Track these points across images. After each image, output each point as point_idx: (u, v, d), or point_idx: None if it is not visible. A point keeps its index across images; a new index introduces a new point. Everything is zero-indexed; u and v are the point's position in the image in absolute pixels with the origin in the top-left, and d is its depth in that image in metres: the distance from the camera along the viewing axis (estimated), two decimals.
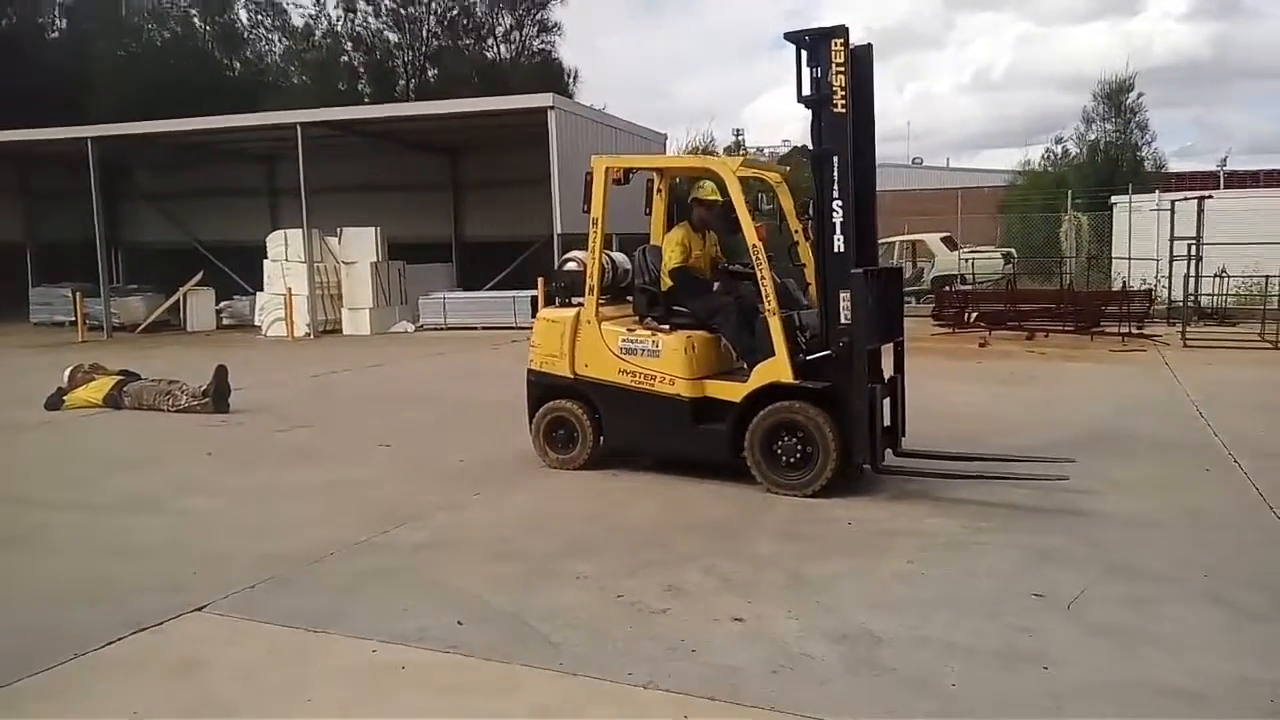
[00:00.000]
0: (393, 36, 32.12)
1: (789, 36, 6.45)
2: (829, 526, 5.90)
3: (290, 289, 20.47)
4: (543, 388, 7.53)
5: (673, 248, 7.28)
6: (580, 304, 7.39)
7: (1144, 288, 18.78)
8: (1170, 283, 18.44)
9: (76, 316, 21.51)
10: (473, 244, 26.66)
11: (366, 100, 29.16)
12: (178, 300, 22.94)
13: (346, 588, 4.96)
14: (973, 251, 23.86)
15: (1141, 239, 20.64)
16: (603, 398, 7.23)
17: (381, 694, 3.79)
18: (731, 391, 6.80)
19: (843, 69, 6.26)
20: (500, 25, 31.87)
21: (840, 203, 6.35)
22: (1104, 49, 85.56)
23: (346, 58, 32.31)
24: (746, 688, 3.76)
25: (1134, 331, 16.43)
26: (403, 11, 31.59)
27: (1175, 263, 17.93)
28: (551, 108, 19.05)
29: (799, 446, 6.45)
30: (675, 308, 7.22)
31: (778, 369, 6.54)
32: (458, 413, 10.53)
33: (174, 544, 5.81)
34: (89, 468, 8.07)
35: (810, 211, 6.66)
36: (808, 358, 6.52)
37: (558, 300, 7.78)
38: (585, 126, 21.17)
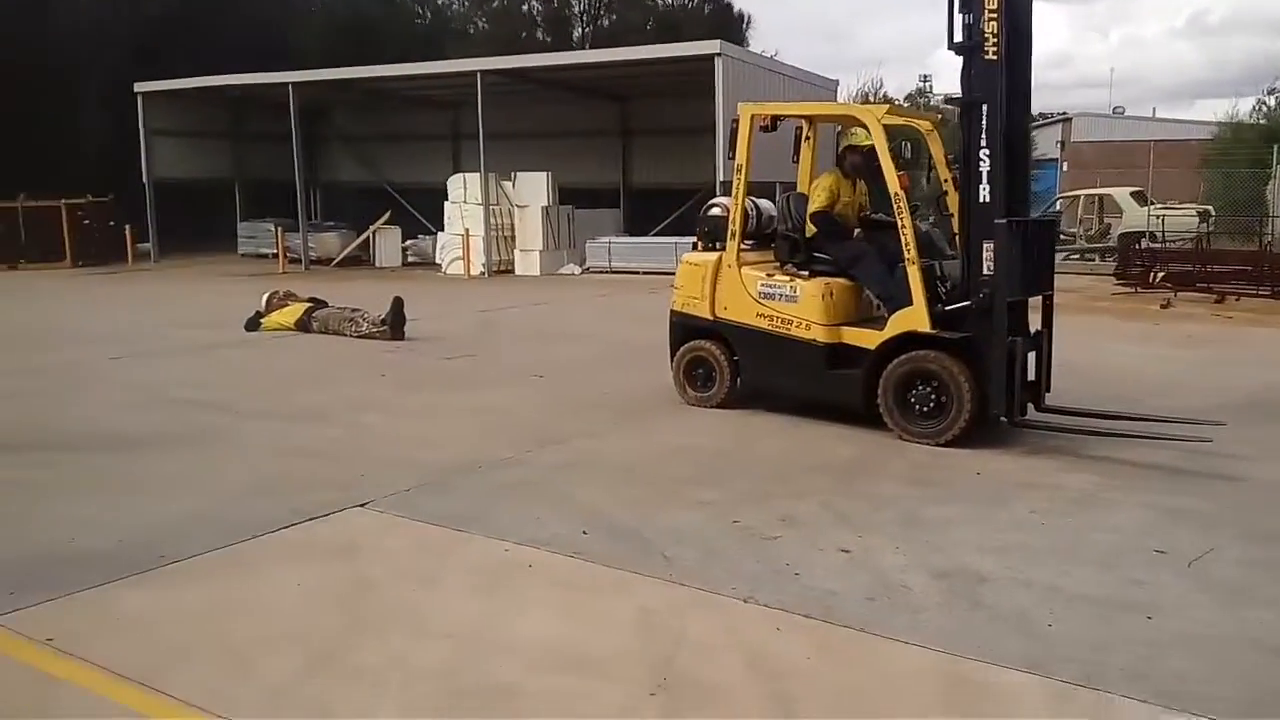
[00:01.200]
0: None
1: None
2: (955, 474, 5.96)
3: (468, 230, 21.49)
4: (684, 329, 7.81)
5: (819, 192, 7.37)
6: (723, 249, 7.57)
7: None
8: None
9: (278, 249, 23.32)
10: (640, 190, 27.11)
11: (543, 48, 29.84)
12: (368, 237, 24.46)
13: (490, 496, 5.45)
14: (1165, 208, 22.38)
15: None
16: (740, 340, 7.44)
17: (507, 584, 4.23)
18: (868, 339, 6.87)
19: (995, 14, 6.13)
20: None
21: (988, 152, 6.28)
22: None
23: (526, 7, 33.13)
24: (840, 609, 3.97)
25: None
26: None
27: None
28: (719, 55, 19.07)
29: (933, 396, 6.48)
30: (816, 254, 7.31)
31: (915, 318, 6.57)
32: (610, 350, 10.97)
33: (345, 450, 6.49)
34: (277, 382, 8.99)
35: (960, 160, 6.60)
36: (947, 308, 6.53)
37: (701, 245, 7.98)
38: (754, 74, 21.07)
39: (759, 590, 4.13)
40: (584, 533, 4.82)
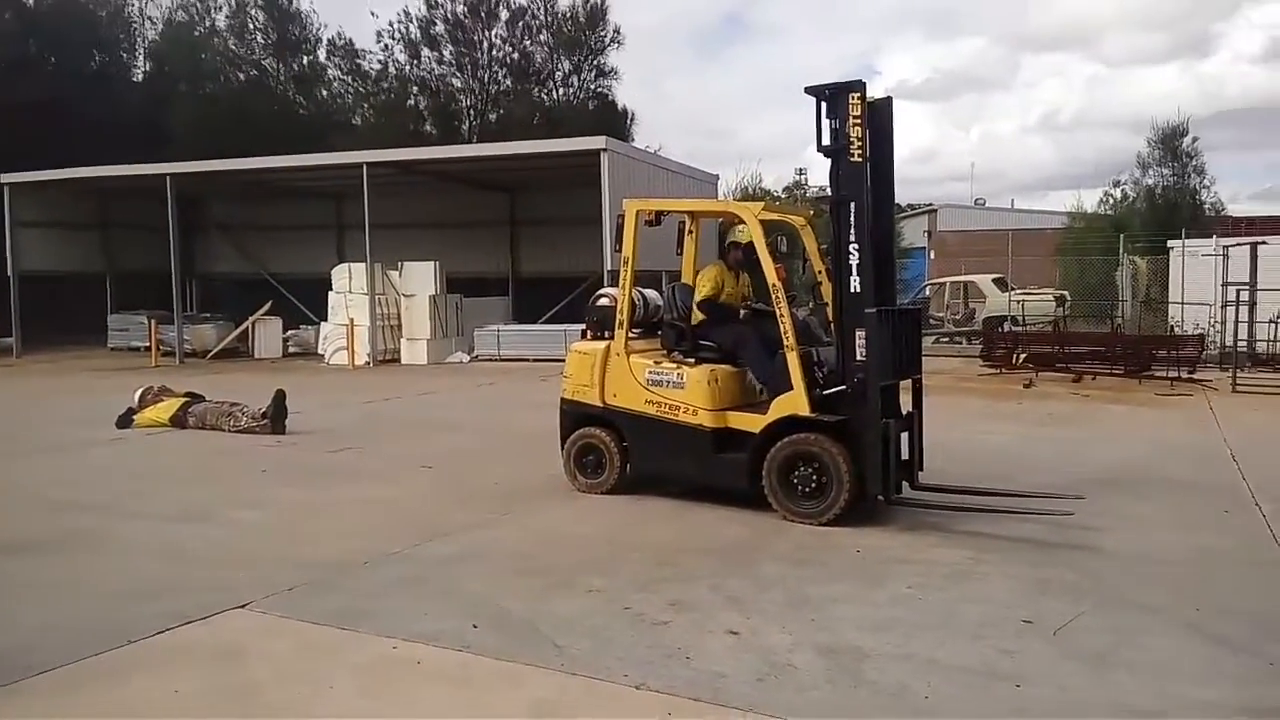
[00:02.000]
0: (456, 81, 33.30)
1: (809, 90, 6.82)
2: (837, 553, 6.15)
3: (353, 319, 21.25)
4: (574, 416, 7.92)
5: (705, 282, 7.69)
6: (612, 338, 7.76)
7: (1197, 333, 18.59)
8: (1224, 328, 18.24)
9: (151, 342, 22.55)
10: (528, 279, 27.40)
11: (431, 140, 30.16)
12: (247, 328, 23.90)
13: (375, 592, 5.37)
14: (1024, 293, 23.81)
15: (1197, 284, 20.43)
16: (630, 426, 7.60)
17: (396, 683, 4.17)
18: (751, 423, 7.10)
19: (859, 121, 6.59)
20: (559, 70, 32.79)
21: (857, 246, 6.68)
22: (1176, 91, 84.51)
23: (413, 100, 33.50)
24: (730, 691, 4.05)
25: (1184, 376, 16.31)
26: (466, 57, 32.71)
27: (1229, 308, 17.75)
28: (604, 150, 19.65)
29: (814, 477, 6.71)
30: (702, 341, 7.58)
31: (795, 402, 6.83)
32: (499, 439, 10.96)
33: (223, 550, 6.29)
34: (151, 481, 8.65)
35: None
36: (825, 392, 6.82)
37: (590, 334, 8.16)
38: (638, 167, 21.75)
39: (650, 676, 4.18)
40: (474, 626, 4.79)
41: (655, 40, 68.52)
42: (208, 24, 35.14)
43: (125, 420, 11.42)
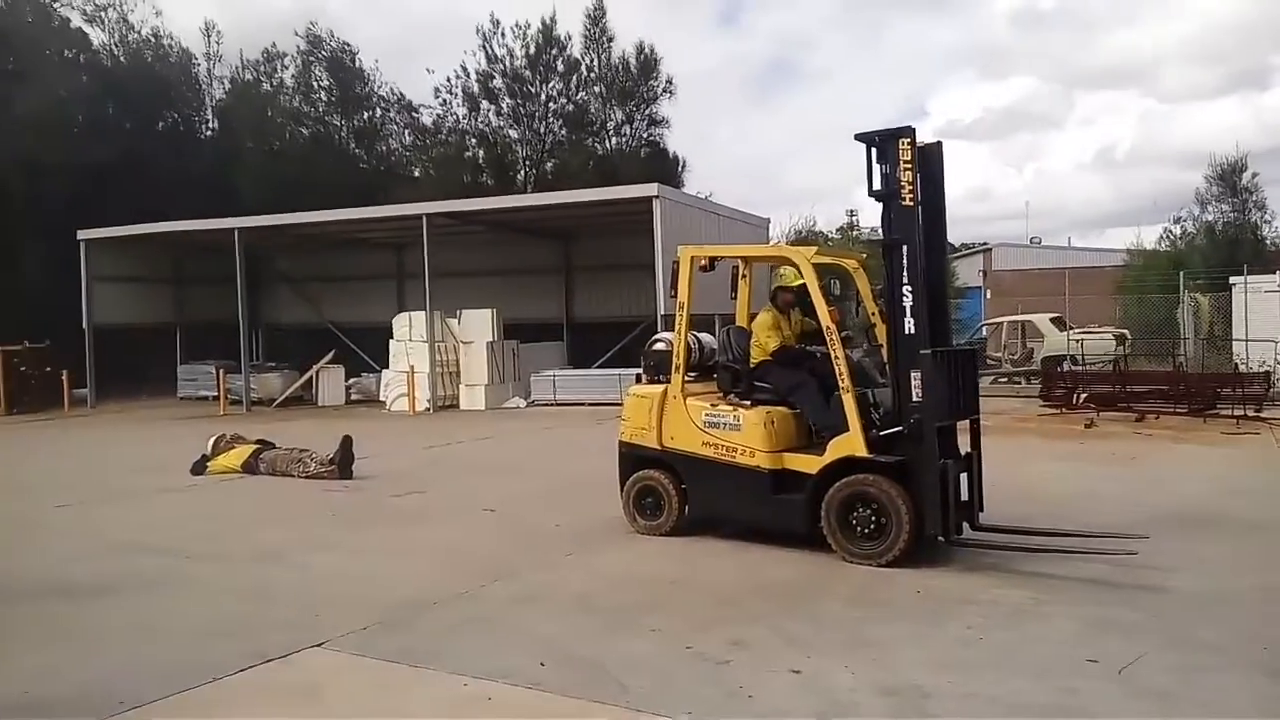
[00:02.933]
0: (513, 132, 34.07)
1: (859, 138, 6.97)
2: (897, 593, 6.19)
3: (413, 366, 21.70)
4: (632, 459, 8.06)
5: (767, 331, 7.74)
6: (668, 381, 7.90)
7: (1262, 370, 18.21)
8: None
9: (219, 391, 23.23)
10: (582, 324, 27.73)
11: (488, 190, 30.85)
12: (311, 377, 24.50)
13: (446, 632, 5.54)
14: (1084, 332, 23.51)
15: (1261, 320, 20.06)
16: (688, 468, 7.71)
17: (469, 718, 4.31)
18: (808, 464, 7.18)
19: (910, 165, 6.72)
20: (612, 120, 33.39)
21: (910, 288, 6.77)
22: (1234, 125, 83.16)
23: (470, 152, 34.31)
24: None
25: (1249, 415, 15.97)
26: (522, 109, 33.49)
27: None
28: (656, 197, 19.97)
29: (873, 518, 6.76)
30: (757, 384, 7.69)
31: (852, 443, 6.90)
32: (558, 483, 11.12)
33: (299, 591, 6.52)
34: (225, 524, 8.97)
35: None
36: (881, 433, 6.88)
37: (646, 378, 8.32)
38: (689, 214, 22.04)
39: (713, 713, 4.27)
40: (541, 664, 4.93)
41: (705, 87, 69.40)
42: (274, 82, 36.50)
43: (199, 467, 11.82)
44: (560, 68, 33.02)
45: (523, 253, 27.49)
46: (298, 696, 4.61)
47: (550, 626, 5.58)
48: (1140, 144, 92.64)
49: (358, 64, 36.19)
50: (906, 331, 6.75)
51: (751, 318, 8.13)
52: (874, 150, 6.90)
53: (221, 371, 23.74)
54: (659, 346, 8.32)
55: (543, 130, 33.53)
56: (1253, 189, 25.36)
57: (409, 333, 22.52)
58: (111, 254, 26.20)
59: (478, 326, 22.52)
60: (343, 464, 11.27)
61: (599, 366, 24.04)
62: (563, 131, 33.60)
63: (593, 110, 33.23)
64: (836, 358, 7.01)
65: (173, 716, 4.41)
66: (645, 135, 33.09)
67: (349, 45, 36.22)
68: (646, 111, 33.00)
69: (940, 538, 6.78)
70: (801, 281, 7.63)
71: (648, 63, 32.72)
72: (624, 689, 4.59)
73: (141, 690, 4.64)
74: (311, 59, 35.85)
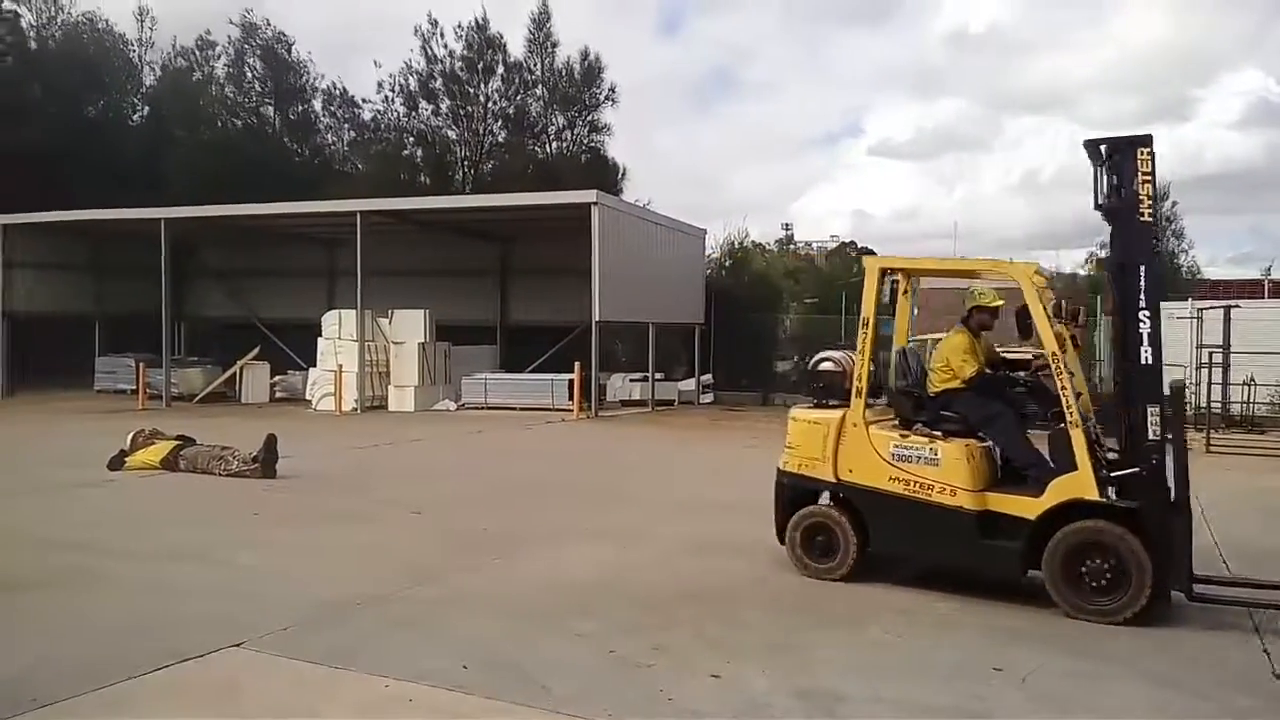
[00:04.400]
0: (452, 133, 33.80)
1: (1087, 144, 6.37)
2: (821, 599, 6.33)
3: (341, 365, 21.41)
4: (798, 491, 7.13)
5: (962, 356, 6.95)
6: (836, 405, 7.06)
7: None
8: (1199, 390, 18.60)
9: (138, 385, 22.62)
10: (517, 328, 27.62)
11: (425, 190, 30.57)
12: (234, 373, 24.00)
13: (368, 633, 5.52)
14: (1005, 350, 24.16)
15: (1173, 346, 20.81)
16: (870, 505, 6.80)
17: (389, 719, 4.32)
18: (1023, 507, 6.34)
19: (1149, 177, 6.11)
20: (554, 125, 33.36)
21: (1148, 313, 6.19)
22: (1155, 154, 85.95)
23: (408, 151, 33.95)
24: None
25: None
26: (462, 110, 33.25)
27: (1202, 370, 18.13)
28: (595, 203, 20.04)
29: (1107, 570, 5.95)
30: (943, 413, 6.88)
31: (1081, 485, 6.13)
32: (487, 487, 11.11)
33: (218, 590, 6.43)
34: (144, 523, 8.79)
35: (1070, 317, 6.63)
36: (1112, 474, 6.18)
37: (815, 401, 7.42)
38: (627, 221, 22.16)
39: (633, 715, 4.35)
40: (464, 666, 4.95)
41: (647, 95, 69.68)
42: (206, 70, 35.69)
43: (117, 462, 11.53)
44: (501, 70, 32.91)
45: (458, 254, 27.29)
46: (215, 696, 4.57)
47: (474, 629, 5.60)
48: (1065, 169, 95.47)
49: (294, 55, 35.61)
50: (1144, 361, 6.17)
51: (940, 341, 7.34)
52: (1102, 159, 6.28)
53: (141, 365, 23.13)
54: (826, 366, 7.41)
55: (482, 132, 33.35)
56: (1171, 218, 26.35)
57: (338, 331, 22.22)
58: (31, 240, 25.40)
59: (409, 327, 22.32)
60: (266, 462, 11.10)
61: (532, 371, 24.00)
62: (503, 134, 33.48)
63: (534, 114, 33.16)
64: (1063, 388, 6.21)
65: (85, 715, 4.33)
66: (586, 141, 33.10)
67: (285, 35, 35.63)
68: (589, 118, 33.03)
69: (1182, 593, 5.97)
70: (1000, 303, 7.12)
71: (591, 69, 32.76)
72: (546, 691, 4.64)
73: (54, 688, 4.55)
74: (245, 48, 35.16)
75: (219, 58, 35.69)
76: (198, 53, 35.63)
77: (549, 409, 20.96)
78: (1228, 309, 18.68)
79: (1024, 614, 6.13)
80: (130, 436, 11.95)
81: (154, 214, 23.28)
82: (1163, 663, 5.22)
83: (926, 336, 27.88)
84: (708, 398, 24.99)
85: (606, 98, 33.07)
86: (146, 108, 35.51)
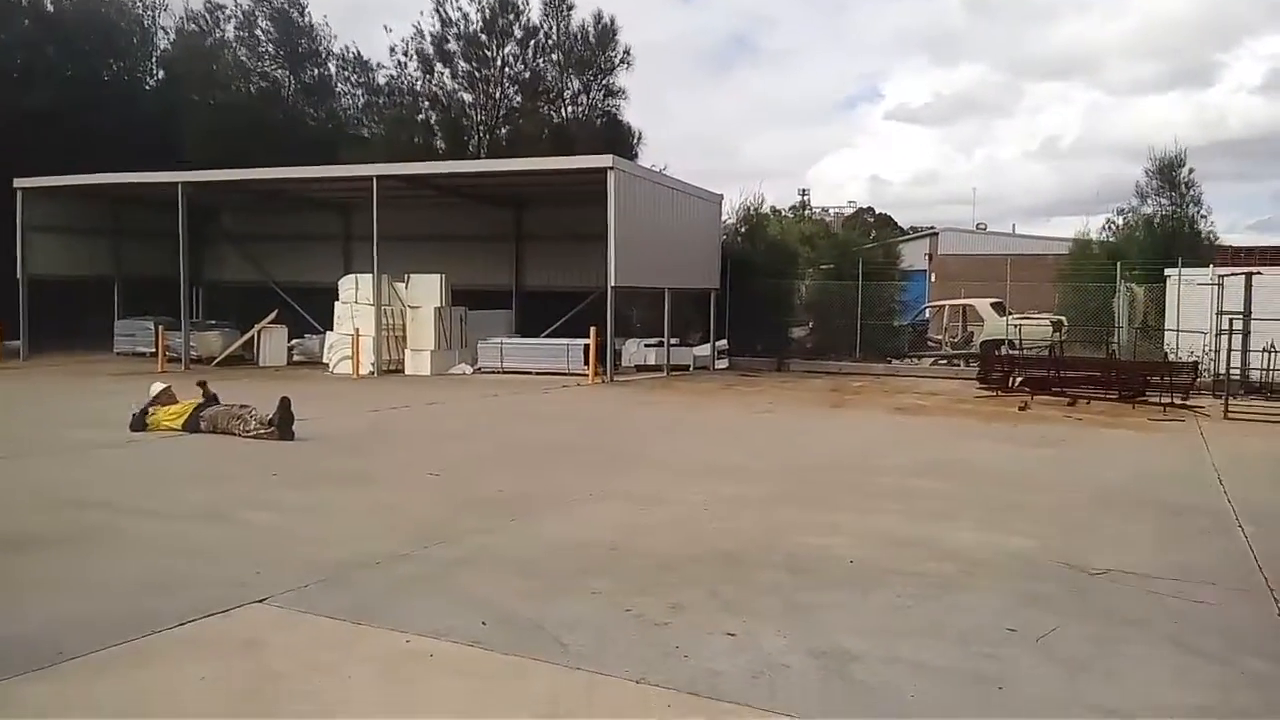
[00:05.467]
0: (467, 96, 33.60)
1: None
2: (829, 564, 6.36)
3: (358, 329, 21.50)
4: None
5: None
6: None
7: (1191, 360, 18.84)
8: (1218, 356, 18.49)
9: (157, 348, 22.79)
10: (532, 293, 27.67)
11: (440, 155, 30.47)
12: (252, 336, 24.15)
13: (388, 590, 5.60)
14: (1023, 318, 24.08)
15: (1192, 312, 20.70)
16: None
17: (411, 674, 4.39)
18: None
19: None
20: (569, 89, 33.10)
21: None
22: (1177, 119, 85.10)
23: (423, 115, 33.80)
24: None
25: (1177, 403, 16.54)
26: (478, 74, 33.04)
27: (1223, 336, 18.01)
28: (611, 168, 19.94)
29: None
30: None
31: None
32: (503, 449, 11.18)
33: (240, 548, 6.52)
34: (165, 482, 8.90)
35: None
36: None
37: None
38: (644, 186, 22.05)
39: (650, 672, 4.40)
40: (482, 623, 5.01)
41: (663, 59, 69.13)
42: (219, 34, 35.51)
43: (139, 423, 11.64)
44: (517, 33, 32.62)
45: (474, 219, 27.30)
46: (238, 650, 4.64)
47: (491, 588, 5.66)
48: (1085, 135, 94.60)
49: (307, 19, 35.37)
50: None
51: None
52: None
53: (160, 328, 23.28)
54: None
55: (498, 96, 33.12)
56: (1190, 184, 26.02)
57: (355, 295, 22.32)
58: (49, 204, 25.54)
59: (425, 291, 22.37)
60: (281, 424, 11.17)
61: (548, 336, 24.04)
62: (518, 98, 33.24)
63: (549, 78, 32.88)
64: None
65: (113, 667, 4.41)
66: (602, 105, 32.80)
67: None
68: (604, 81, 32.71)
69: None
70: None
71: (606, 32, 32.43)
72: (563, 648, 4.70)
73: (80, 641, 4.63)
74: (257, 11, 34.93)
75: (229, 21, 35.53)
76: (208, 16, 35.45)
77: (564, 373, 21.02)
78: (1248, 276, 18.54)
79: (1035, 577, 6.15)
80: (154, 390, 12.03)
81: (171, 178, 23.34)
82: (1179, 626, 5.23)
83: (943, 302, 27.87)
84: (723, 363, 25.01)
85: (621, 61, 32.80)
86: (161, 71, 35.41)
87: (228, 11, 35.18)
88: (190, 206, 23.59)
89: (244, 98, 33.83)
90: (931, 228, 49.10)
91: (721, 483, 9.17)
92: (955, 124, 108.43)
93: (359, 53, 35.56)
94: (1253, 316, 18.09)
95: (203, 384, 12.27)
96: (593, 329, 20.34)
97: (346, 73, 36.02)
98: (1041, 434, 13.11)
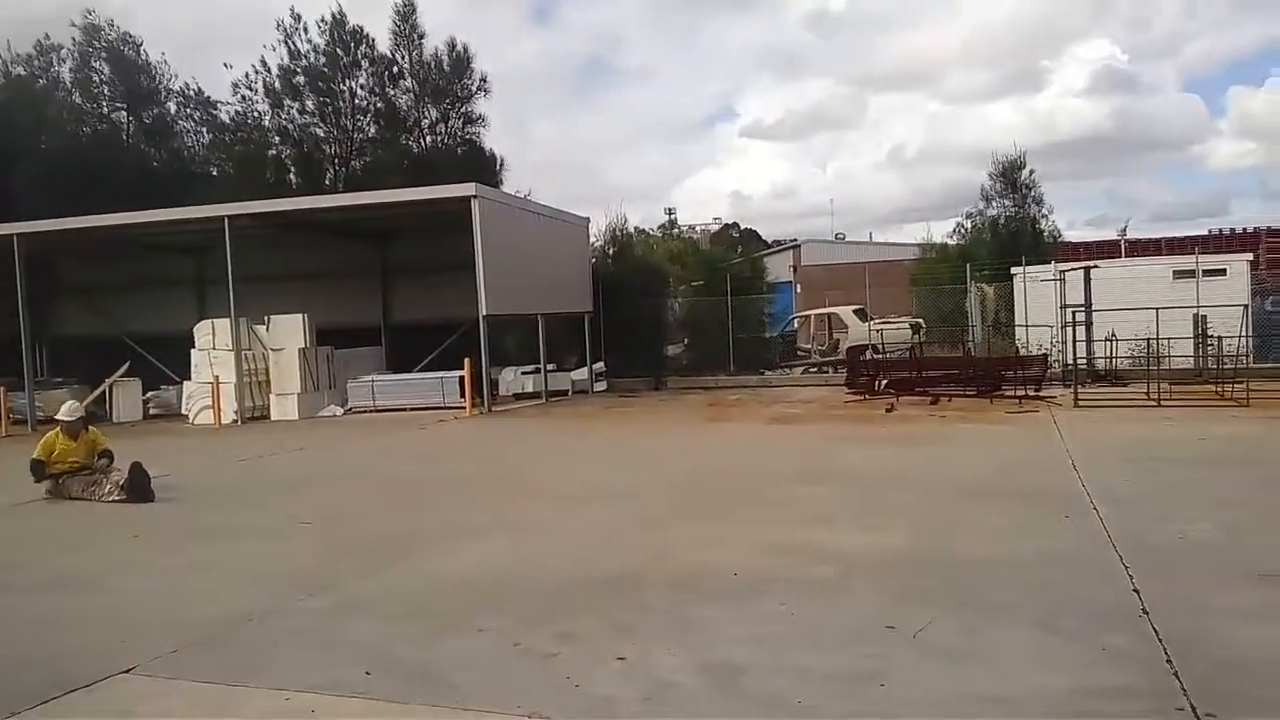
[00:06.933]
0: (319, 130, 32.84)
1: None
2: (715, 576, 6.44)
3: (218, 377, 20.67)
4: None
5: None
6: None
7: (1041, 353, 19.93)
8: (1065, 347, 19.61)
9: (0, 410, 21.36)
10: (402, 327, 27.12)
11: (295, 190, 29.65)
12: (104, 391, 22.90)
13: (264, 647, 5.38)
14: (883, 322, 25.02)
15: (1040, 307, 21.93)
16: None
17: None
18: None
19: None
20: (426, 118, 32.75)
21: None
22: (1011, 125, 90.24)
23: (274, 150, 32.86)
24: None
25: (1031, 394, 17.45)
26: (329, 106, 32.35)
27: (1067, 328, 19.12)
28: (475, 197, 19.83)
29: None
30: None
31: None
32: (379, 490, 10.93)
33: (103, 617, 6.15)
34: (25, 552, 8.34)
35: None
36: None
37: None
38: (509, 213, 22.02)
39: (542, 705, 4.36)
40: (366, 672, 4.86)
41: (522, 84, 69.18)
42: (50, 76, 33.69)
43: (40, 472, 10.88)
44: (365, 64, 32.10)
45: (336, 255, 26.61)
46: None
47: (375, 634, 5.51)
48: (929, 143, 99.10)
49: (144, 56, 33.94)
50: None
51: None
52: None
53: (2, 390, 21.85)
54: None
55: (352, 128, 32.50)
56: (1031, 185, 27.53)
57: (212, 341, 21.48)
58: None
59: (288, 332, 21.69)
60: (132, 491, 10.46)
61: (421, 370, 23.62)
62: (373, 129, 32.69)
63: (404, 108, 32.46)
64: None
65: None
66: (461, 134, 32.54)
67: (131, 36, 33.90)
68: (462, 110, 32.48)
69: None
70: None
71: (460, 60, 32.23)
72: (453, 688, 4.61)
73: None
74: (90, 51, 33.30)
75: (63, 62, 33.78)
76: (38, 58, 33.62)
77: (441, 407, 20.70)
78: (1087, 269, 19.77)
79: (909, 573, 6.38)
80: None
81: (5, 229, 21.97)
82: (1042, 608, 5.50)
83: (809, 313, 28.66)
84: (601, 386, 25.08)
85: (478, 88, 32.67)
86: None
87: (62, 54, 33.49)
88: (28, 259, 22.26)
89: (80, 141, 32.17)
90: (794, 240, 50.58)
91: (606, 506, 9.19)
92: (808, 138, 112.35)
93: (200, 89, 34.31)
94: (1093, 308, 19.29)
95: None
96: (467, 360, 20.10)
97: (189, 110, 34.68)
98: (908, 433, 13.63)
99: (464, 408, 20.01)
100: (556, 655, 5.03)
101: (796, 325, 29.28)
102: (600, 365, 25.50)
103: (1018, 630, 5.18)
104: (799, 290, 37.56)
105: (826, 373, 25.01)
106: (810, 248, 46.06)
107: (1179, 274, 21.49)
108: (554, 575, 6.71)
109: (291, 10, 32.07)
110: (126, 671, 5.02)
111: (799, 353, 27.63)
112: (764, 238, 63.41)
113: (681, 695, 4.45)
